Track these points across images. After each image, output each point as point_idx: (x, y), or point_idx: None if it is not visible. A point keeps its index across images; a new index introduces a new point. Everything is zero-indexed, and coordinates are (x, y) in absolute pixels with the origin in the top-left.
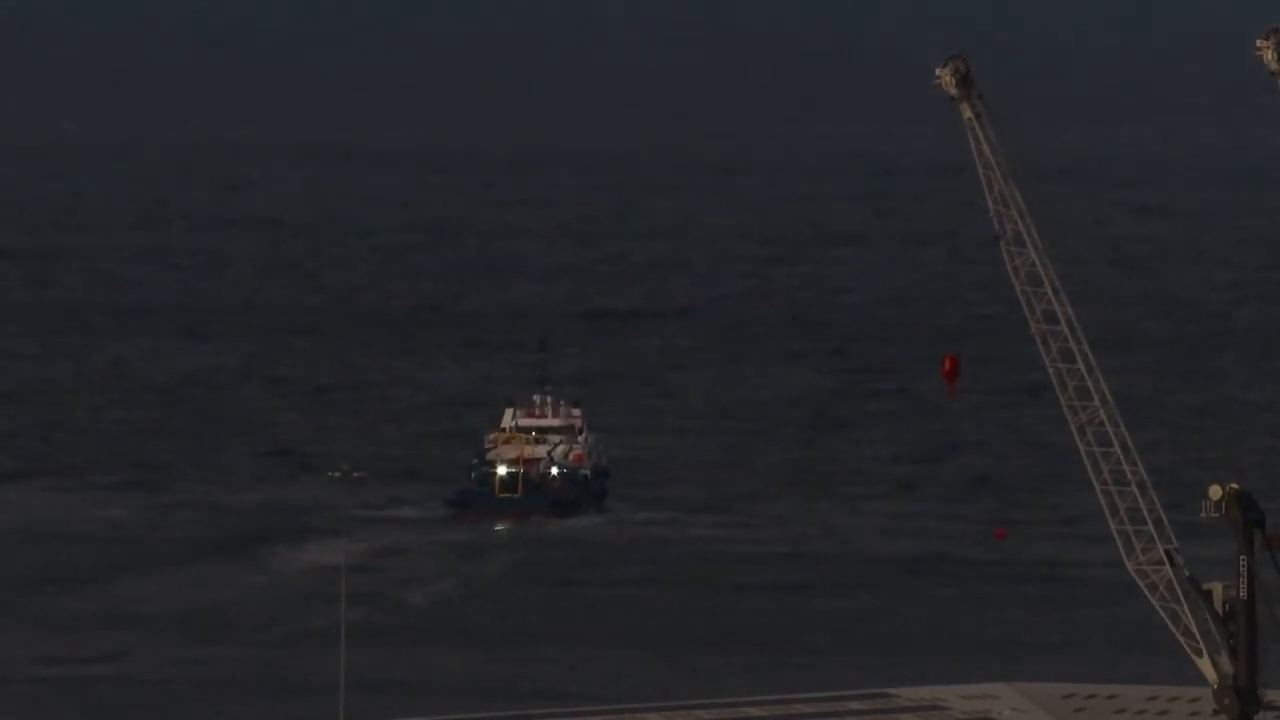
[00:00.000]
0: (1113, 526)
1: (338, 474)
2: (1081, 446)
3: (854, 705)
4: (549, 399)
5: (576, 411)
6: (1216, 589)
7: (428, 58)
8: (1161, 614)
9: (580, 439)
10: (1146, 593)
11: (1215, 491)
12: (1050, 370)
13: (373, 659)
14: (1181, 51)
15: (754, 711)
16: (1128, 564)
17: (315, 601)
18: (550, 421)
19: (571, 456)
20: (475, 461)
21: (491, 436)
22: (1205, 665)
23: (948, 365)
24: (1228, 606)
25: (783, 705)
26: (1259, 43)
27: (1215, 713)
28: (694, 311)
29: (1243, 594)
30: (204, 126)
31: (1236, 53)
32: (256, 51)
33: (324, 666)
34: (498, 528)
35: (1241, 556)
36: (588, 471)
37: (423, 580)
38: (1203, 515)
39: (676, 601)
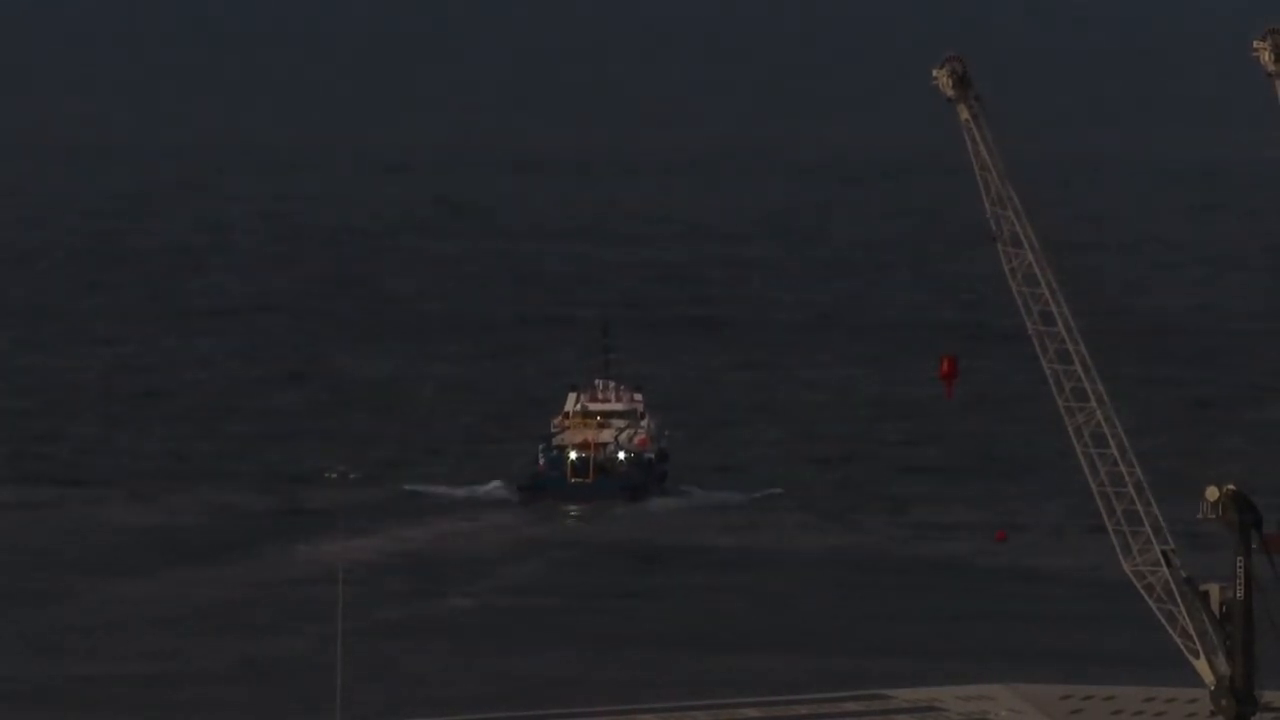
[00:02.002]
0: (1109, 527)
1: (334, 475)
2: (1079, 447)
3: (851, 706)
4: (611, 383)
5: (638, 395)
6: (1213, 590)
7: (506, 56)
8: (1158, 615)
9: (643, 423)
10: (1144, 594)
11: (1212, 493)
12: (1047, 371)
13: (413, 651)
14: (1179, 52)
15: (752, 712)
16: (1125, 565)
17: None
18: (613, 405)
19: (636, 441)
20: (543, 446)
21: (556, 421)
22: (1202, 666)
23: (945, 366)
24: (1225, 608)
25: (781, 706)
26: (1256, 44)
27: (1212, 714)
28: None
29: (1239, 595)
30: (225, 127)
31: (1235, 54)
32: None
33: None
34: (571, 513)
35: (1239, 557)
36: (652, 455)
37: (474, 574)
38: (1200, 516)
39: (671, 602)
